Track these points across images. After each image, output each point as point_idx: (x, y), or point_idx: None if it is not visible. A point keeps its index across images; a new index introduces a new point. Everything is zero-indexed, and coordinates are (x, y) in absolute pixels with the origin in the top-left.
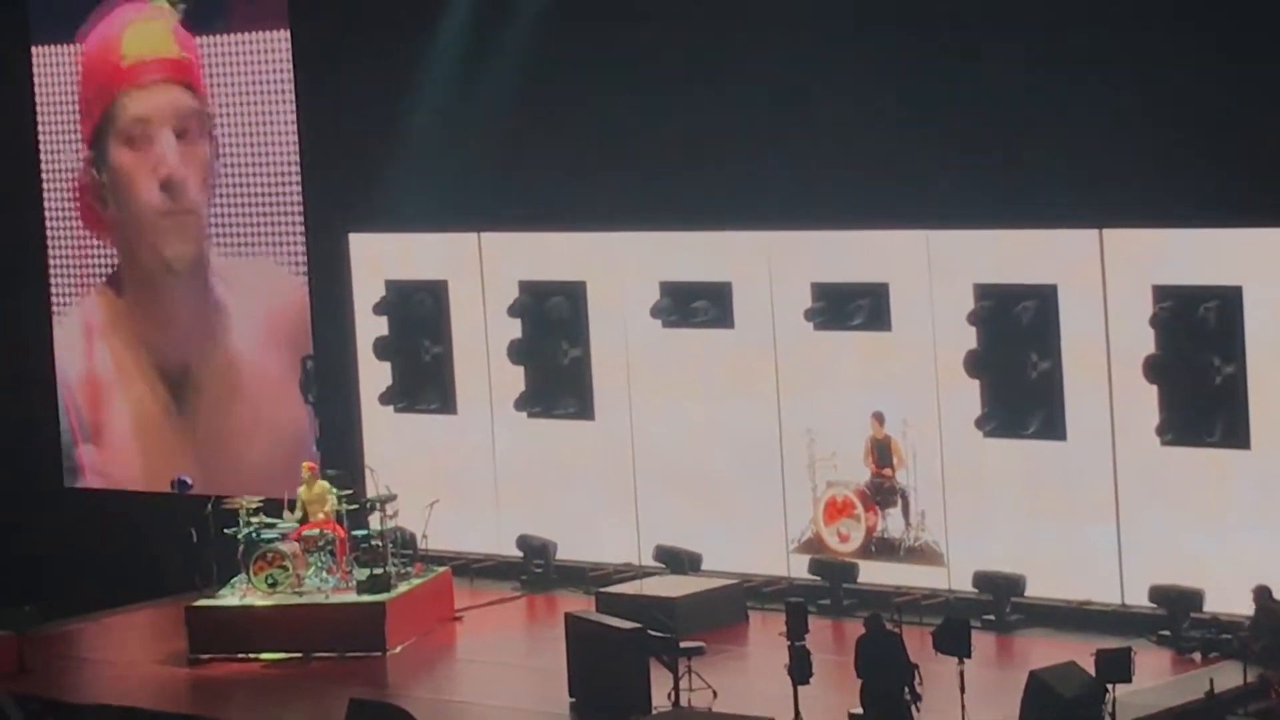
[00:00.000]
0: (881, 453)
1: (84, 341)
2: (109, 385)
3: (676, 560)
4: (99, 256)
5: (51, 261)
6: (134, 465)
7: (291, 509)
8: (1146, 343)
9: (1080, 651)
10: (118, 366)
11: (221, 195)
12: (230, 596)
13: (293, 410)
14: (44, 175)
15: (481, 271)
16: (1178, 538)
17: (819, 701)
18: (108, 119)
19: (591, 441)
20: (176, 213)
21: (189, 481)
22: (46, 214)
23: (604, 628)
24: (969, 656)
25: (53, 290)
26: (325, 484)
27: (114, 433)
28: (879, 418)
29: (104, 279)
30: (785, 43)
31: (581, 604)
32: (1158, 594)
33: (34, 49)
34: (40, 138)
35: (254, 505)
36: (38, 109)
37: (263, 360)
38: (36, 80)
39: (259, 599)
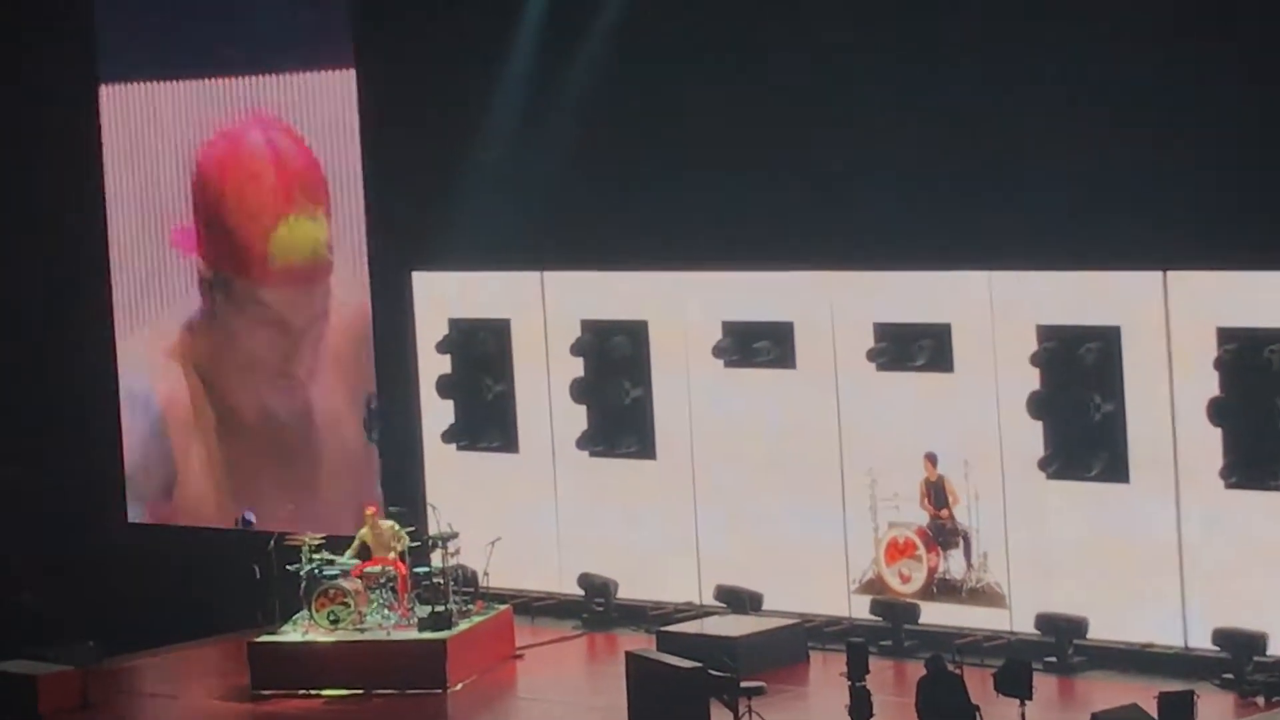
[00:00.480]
0: (937, 494)
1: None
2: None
3: (737, 600)
4: (164, 290)
5: (115, 295)
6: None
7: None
8: (1210, 385)
9: (1143, 694)
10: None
11: None
12: (292, 633)
13: (353, 445)
14: (109, 216)
15: (544, 310)
16: (1241, 580)
17: None
18: (234, 282)
19: (653, 480)
20: (292, 386)
21: (253, 519)
22: (111, 252)
23: (664, 667)
24: (1030, 698)
25: (116, 326)
26: (391, 524)
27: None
28: (931, 459)
29: (183, 322)
30: (849, 84)
31: (642, 643)
32: (1221, 637)
33: (102, 88)
34: (106, 177)
35: (316, 542)
36: (104, 147)
37: (328, 395)
38: (104, 119)
39: (321, 635)
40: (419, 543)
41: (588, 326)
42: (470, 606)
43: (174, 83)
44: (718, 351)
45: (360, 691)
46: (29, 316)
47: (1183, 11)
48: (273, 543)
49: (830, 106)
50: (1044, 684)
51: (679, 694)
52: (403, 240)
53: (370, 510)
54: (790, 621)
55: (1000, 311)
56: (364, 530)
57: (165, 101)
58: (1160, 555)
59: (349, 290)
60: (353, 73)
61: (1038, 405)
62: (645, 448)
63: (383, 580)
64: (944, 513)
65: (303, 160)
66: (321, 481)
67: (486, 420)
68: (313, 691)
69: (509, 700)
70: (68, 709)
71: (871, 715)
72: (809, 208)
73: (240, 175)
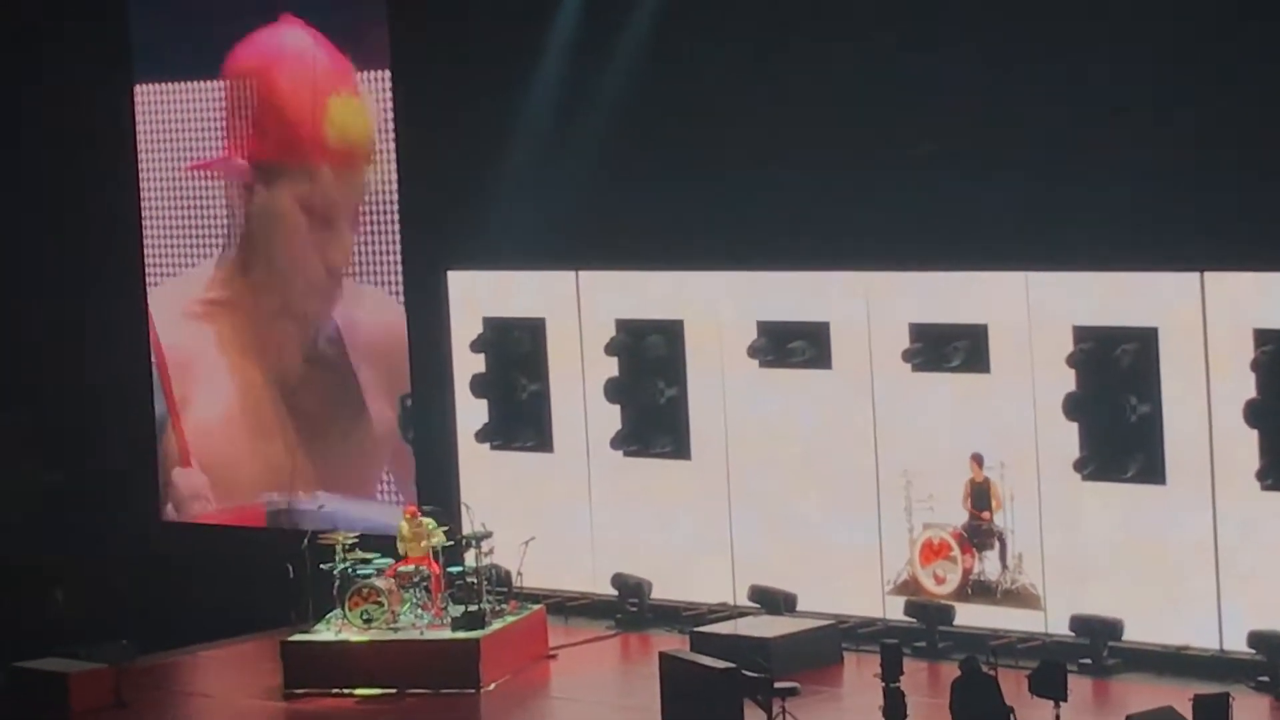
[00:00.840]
0: (980, 496)
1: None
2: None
3: (772, 600)
4: (200, 292)
5: (150, 296)
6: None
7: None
8: (1247, 387)
9: (1178, 697)
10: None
11: None
12: (325, 632)
13: (388, 443)
14: (144, 214)
15: (579, 309)
16: (1278, 583)
17: None
18: (288, 170)
19: (687, 481)
20: (330, 287)
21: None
22: (147, 254)
23: (698, 667)
24: (1065, 700)
25: (151, 326)
26: (429, 522)
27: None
28: (978, 460)
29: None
30: (885, 84)
31: (676, 643)
32: (1257, 639)
33: (136, 88)
34: (141, 178)
35: (350, 541)
36: (139, 148)
37: (364, 386)
38: (139, 119)
39: (354, 635)
40: (453, 542)
41: (622, 326)
42: (504, 606)
43: (207, 82)
44: (753, 351)
45: (393, 691)
46: (62, 317)
47: (1221, 13)
48: (306, 541)
49: (866, 107)
50: (1079, 686)
51: (713, 695)
52: (438, 239)
53: (409, 511)
54: (824, 623)
55: (1036, 312)
56: (402, 523)
57: (198, 101)
58: (1196, 557)
59: (383, 289)
60: (387, 73)
61: (1074, 406)
62: (680, 448)
63: (416, 580)
64: (984, 515)
65: (338, 58)
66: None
67: (521, 419)
68: (345, 691)
69: (542, 700)
70: (100, 707)
71: (905, 717)
72: (845, 208)
73: (285, 60)
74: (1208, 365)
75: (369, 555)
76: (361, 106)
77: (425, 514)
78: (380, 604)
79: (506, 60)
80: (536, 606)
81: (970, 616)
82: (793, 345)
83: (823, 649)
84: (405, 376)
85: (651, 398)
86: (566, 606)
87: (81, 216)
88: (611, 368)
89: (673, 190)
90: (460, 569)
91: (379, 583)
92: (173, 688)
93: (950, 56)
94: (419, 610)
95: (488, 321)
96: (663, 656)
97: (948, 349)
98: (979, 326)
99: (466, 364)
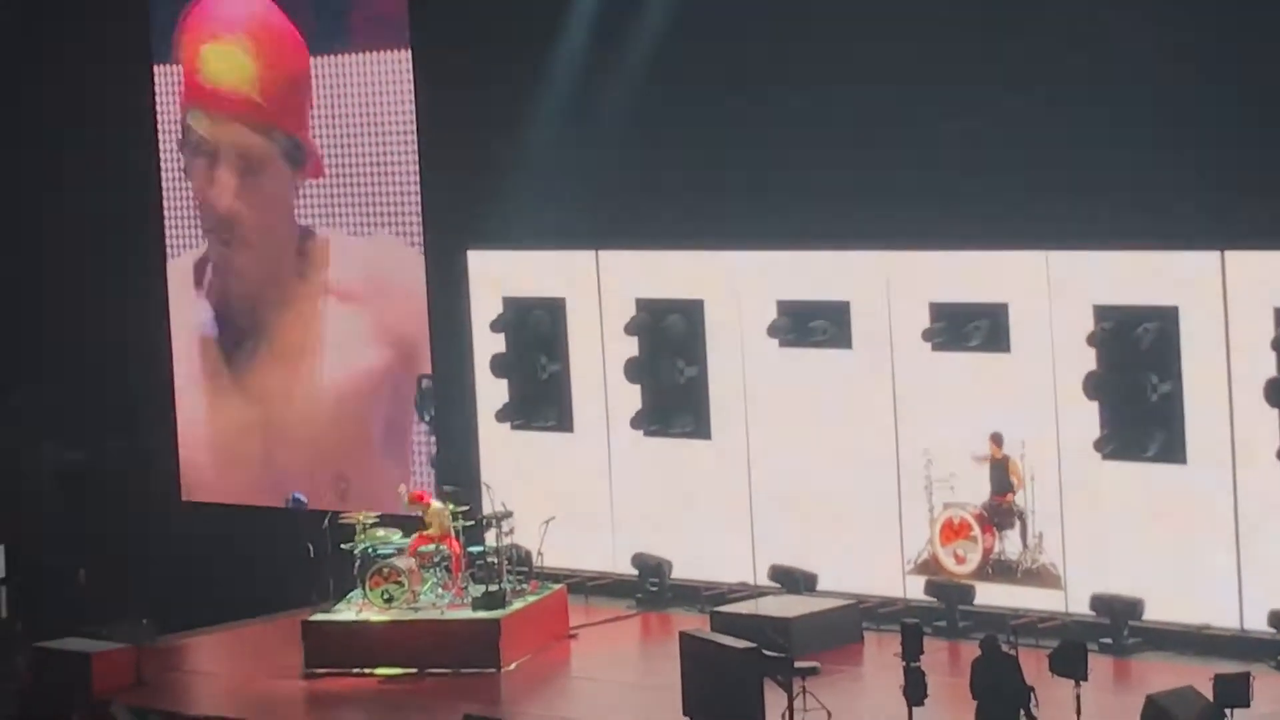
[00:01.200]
0: (999, 475)
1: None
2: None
3: (792, 580)
4: (222, 281)
5: (170, 284)
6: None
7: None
8: (1268, 366)
9: (1198, 676)
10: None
11: (341, 211)
12: (346, 611)
13: (403, 423)
14: (164, 192)
15: (599, 289)
16: None
17: None
18: (184, 122)
19: (708, 460)
20: (232, 241)
21: (304, 499)
22: (167, 231)
23: (719, 647)
24: (1086, 679)
25: (171, 314)
26: (436, 504)
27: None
28: (997, 439)
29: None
30: (904, 63)
31: (696, 623)
32: (1277, 619)
33: (155, 68)
34: (161, 157)
35: (371, 520)
36: (159, 127)
37: (379, 366)
38: (158, 99)
39: (374, 614)
40: (473, 522)
41: (643, 305)
42: (524, 586)
43: None
44: (773, 331)
45: (414, 671)
46: (87, 302)
47: None
48: (327, 521)
49: (888, 88)
50: (1099, 665)
51: (733, 674)
52: (458, 219)
53: (418, 497)
54: (845, 602)
55: (1057, 291)
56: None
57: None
58: (1216, 536)
59: (403, 268)
60: (408, 53)
61: (1094, 385)
62: (700, 427)
63: (437, 559)
64: (1006, 496)
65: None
66: (368, 456)
67: (541, 399)
68: (366, 670)
69: (563, 680)
70: (122, 686)
71: (926, 696)
72: (865, 187)
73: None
74: (1228, 344)
75: (390, 534)
76: (233, 51)
77: (447, 494)
78: (401, 584)
79: (527, 40)
80: (557, 586)
81: (990, 596)
82: (813, 324)
83: (843, 628)
84: (426, 356)
85: (672, 377)
86: (587, 586)
87: (102, 197)
88: (632, 347)
89: (693, 170)
90: (481, 549)
91: (400, 562)
92: (193, 668)
93: (971, 35)
94: (440, 590)
95: (508, 301)
96: (683, 636)
97: (968, 328)
98: (999, 305)
99: (487, 344)
